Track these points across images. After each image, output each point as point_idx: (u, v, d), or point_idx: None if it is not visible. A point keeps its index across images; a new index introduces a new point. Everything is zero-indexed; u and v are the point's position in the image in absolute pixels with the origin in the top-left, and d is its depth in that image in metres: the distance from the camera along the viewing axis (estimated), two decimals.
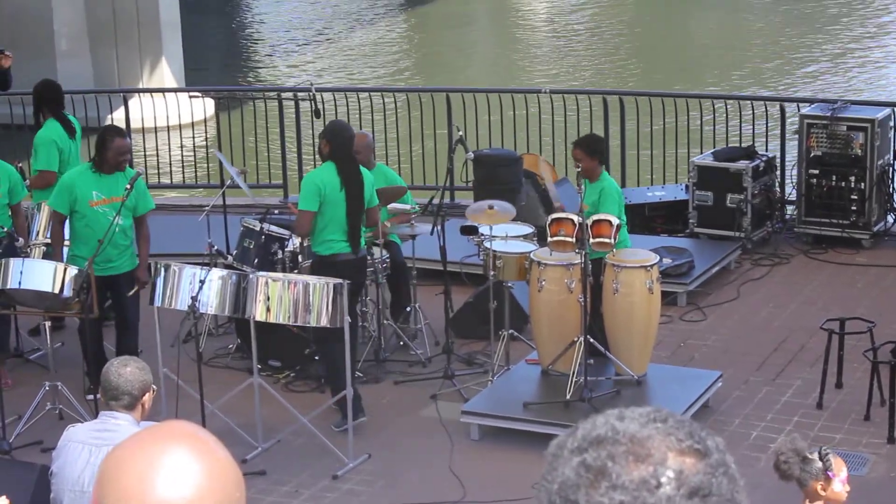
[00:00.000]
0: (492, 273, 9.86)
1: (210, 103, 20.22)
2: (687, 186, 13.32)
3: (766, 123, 14.78)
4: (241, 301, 8.78)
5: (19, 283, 9.01)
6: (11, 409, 9.39)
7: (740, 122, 14.17)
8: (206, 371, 9.32)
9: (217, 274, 8.88)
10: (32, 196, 10.73)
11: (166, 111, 15.74)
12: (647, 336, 9.64)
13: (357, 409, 9.19)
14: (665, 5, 34.43)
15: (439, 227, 10.08)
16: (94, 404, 8.80)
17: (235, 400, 9.26)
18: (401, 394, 10.09)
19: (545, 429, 8.78)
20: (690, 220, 13.07)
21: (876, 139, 12.74)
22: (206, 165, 16.80)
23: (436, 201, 10.38)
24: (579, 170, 9.68)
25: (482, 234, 10.05)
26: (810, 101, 14.05)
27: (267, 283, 8.73)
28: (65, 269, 9.04)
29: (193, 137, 19.33)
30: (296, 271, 9.89)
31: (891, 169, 13.11)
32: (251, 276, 8.84)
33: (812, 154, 12.93)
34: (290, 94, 15.28)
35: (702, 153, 13.60)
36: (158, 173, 16.57)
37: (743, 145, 13.60)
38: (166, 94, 17.02)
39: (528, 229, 10.30)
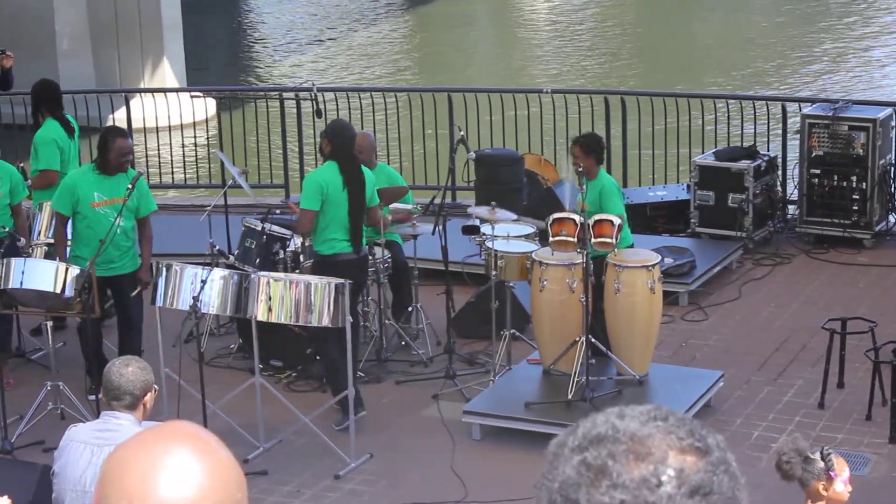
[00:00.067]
0: (493, 273, 9.85)
1: (211, 103, 20.22)
2: (688, 186, 13.32)
3: (768, 123, 14.81)
4: (242, 301, 8.78)
5: (21, 282, 9.02)
6: (13, 409, 9.40)
7: (742, 121, 14.17)
8: (208, 371, 9.32)
9: (219, 274, 8.88)
10: (33, 196, 10.72)
11: (168, 111, 15.74)
12: (649, 336, 9.64)
13: (357, 404, 9.18)
14: (666, 5, 34.41)
15: (441, 227, 10.08)
16: (96, 404, 8.80)
17: (237, 400, 9.26)
18: (402, 394, 10.09)
19: (547, 429, 8.78)
20: (692, 220, 13.07)
21: (877, 139, 12.74)
22: (207, 165, 16.80)
23: (437, 201, 10.38)
24: (580, 169, 9.69)
25: (484, 234, 10.05)
26: (812, 100, 14.05)
27: (268, 282, 8.73)
28: (66, 269, 9.04)
29: (195, 137, 19.33)
30: (297, 271, 9.89)
31: (892, 169, 13.10)
32: (253, 275, 8.84)
33: (814, 154, 12.93)
34: (291, 94, 15.27)
35: (703, 153, 13.60)
36: (160, 173, 16.58)
37: (744, 145, 13.60)
38: (168, 94, 17.03)
39: (529, 229, 10.30)
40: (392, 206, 10.48)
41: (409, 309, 10.87)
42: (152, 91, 17.46)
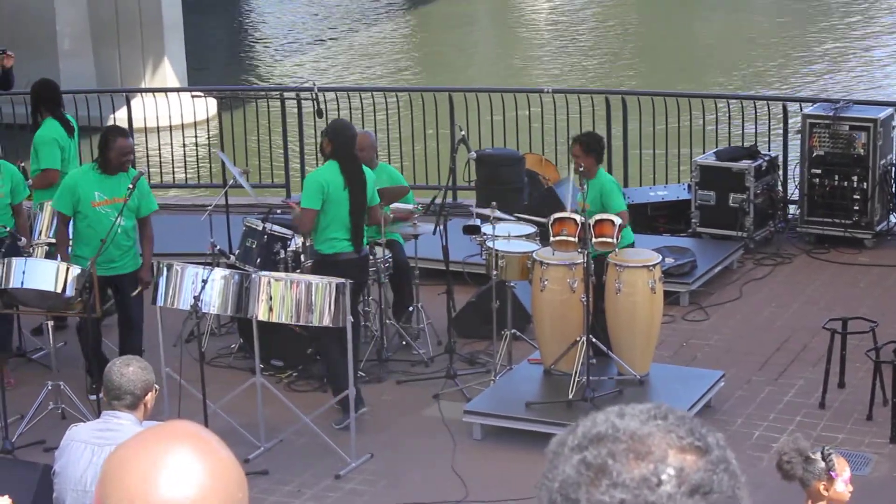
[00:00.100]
0: (494, 273, 9.85)
1: (212, 103, 20.22)
2: (689, 186, 13.32)
3: (769, 123, 14.81)
4: (243, 301, 8.78)
5: (22, 282, 9.02)
6: (14, 409, 9.40)
7: (743, 121, 14.17)
8: (209, 371, 9.32)
9: (219, 273, 8.88)
10: (33, 196, 10.72)
11: (169, 111, 15.74)
12: (650, 336, 9.64)
13: (357, 401, 9.18)
14: (667, 5, 34.42)
15: (441, 227, 10.08)
16: (97, 404, 8.80)
17: (238, 399, 9.26)
18: (403, 393, 10.09)
19: (548, 428, 8.77)
20: (693, 220, 13.07)
21: (878, 139, 12.74)
22: (208, 165, 16.80)
23: (438, 201, 10.38)
24: (581, 169, 9.69)
25: (484, 234, 10.05)
26: (813, 100, 14.05)
27: (269, 282, 8.73)
28: (67, 269, 9.04)
29: (196, 137, 19.32)
30: (298, 271, 9.89)
31: (893, 169, 13.10)
32: (254, 275, 8.84)
33: (814, 154, 12.93)
34: (292, 94, 15.28)
35: (704, 153, 13.60)
36: (161, 173, 16.58)
37: (745, 145, 13.60)
38: (169, 93, 17.03)
39: (530, 229, 10.30)
40: (393, 205, 10.48)
41: (410, 309, 10.87)
42: (153, 91, 17.46)
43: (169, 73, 22.89)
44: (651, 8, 34.65)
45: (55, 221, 9.92)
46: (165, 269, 8.87)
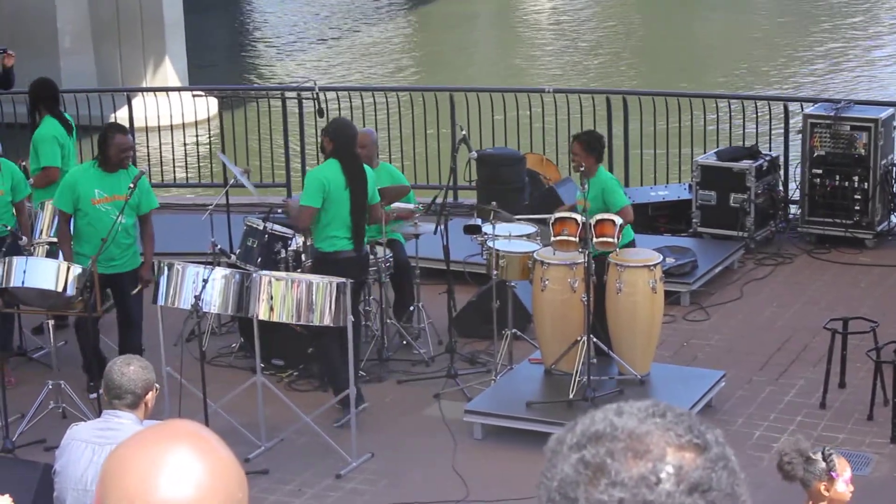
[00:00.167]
0: (495, 272, 9.85)
1: (213, 102, 20.20)
2: (690, 186, 13.32)
3: (770, 123, 14.81)
4: (244, 300, 8.78)
5: (23, 281, 9.02)
6: (15, 408, 9.40)
7: (744, 121, 14.17)
8: (210, 370, 9.32)
9: (220, 273, 8.88)
10: (34, 195, 10.72)
11: (170, 110, 15.74)
12: (651, 335, 9.64)
13: (357, 400, 9.18)
14: (668, 5, 34.41)
15: (442, 227, 10.08)
16: (98, 403, 8.80)
17: (238, 399, 9.26)
18: (404, 393, 10.09)
19: (548, 428, 8.76)
20: (694, 220, 13.07)
21: (879, 139, 12.73)
22: (209, 164, 16.80)
23: (439, 200, 10.38)
24: (582, 169, 9.69)
25: (485, 234, 10.05)
26: (814, 100, 14.04)
27: (270, 282, 8.73)
28: (68, 268, 9.05)
29: (197, 136, 19.32)
30: (299, 270, 9.89)
31: (894, 169, 13.10)
32: (254, 275, 8.84)
33: (815, 154, 12.93)
34: (293, 93, 15.28)
35: (705, 153, 13.59)
36: (162, 172, 16.57)
37: (746, 145, 13.59)
38: (170, 92, 17.03)
39: (531, 229, 10.30)
40: (394, 205, 10.48)
41: (411, 308, 10.87)
42: (154, 90, 17.46)
43: (170, 72, 22.89)
44: (652, 8, 34.64)
45: (56, 220, 9.92)
46: (166, 268, 8.87)
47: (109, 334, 10.03)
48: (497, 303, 9.95)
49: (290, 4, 36.59)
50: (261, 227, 10.47)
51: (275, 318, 8.85)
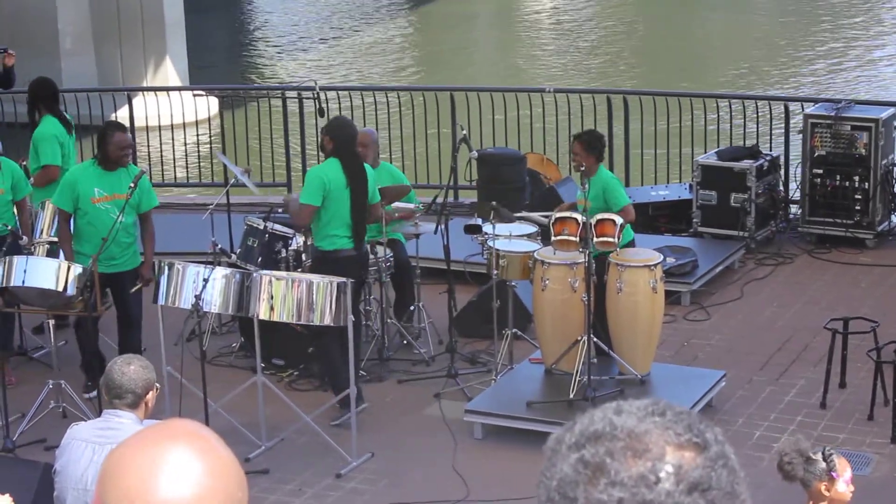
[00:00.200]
0: (495, 272, 9.85)
1: (214, 102, 20.21)
2: (691, 186, 13.32)
3: (771, 123, 14.79)
4: (244, 299, 8.78)
5: (23, 280, 9.02)
6: (15, 407, 9.40)
7: (744, 121, 14.17)
8: (210, 370, 9.32)
9: (221, 272, 8.88)
10: (34, 195, 10.71)
11: (170, 110, 15.75)
12: (651, 335, 9.64)
13: (358, 399, 9.18)
14: (669, 5, 34.41)
15: (443, 226, 10.08)
16: (98, 402, 8.79)
17: (239, 398, 9.26)
18: (404, 393, 10.09)
19: (548, 428, 8.76)
20: (694, 220, 13.07)
21: (880, 139, 12.73)
22: (209, 164, 16.80)
23: (439, 200, 10.38)
24: (583, 168, 9.69)
25: (486, 233, 10.04)
26: (814, 100, 14.04)
27: (270, 281, 8.73)
28: (68, 268, 9.05)
29: (197, 136, 19.32)
30: (299, 270, 9.89)
31: (895, 168, 13.10)
32: (255, 274, 8.84)
33: (816, 153, 12.93)
34: (293, 93, 15.28)
35: (706, 152, 13.59)
36: (162, 171, 16.57)
37: (747, 144, 13.59)
38: (170, 92, 17.04)
39: (531, 228, 10.31)
40: (395, 204, 10.48)
41: (411, 308, 10.87)
42: (155, 90, 17.47)
43: (171, 71, 22.89)
44: (652, 8, 34.64)
45: (56, 220, 9.91)
46: (167, 268, 8.87)
47: (109, 334, 10.03)
48: (497, 302, 9.95)
49: (290, 4, 36.59)
50: (261, 227, 10.47)
51: (275, 318, 8.85)
